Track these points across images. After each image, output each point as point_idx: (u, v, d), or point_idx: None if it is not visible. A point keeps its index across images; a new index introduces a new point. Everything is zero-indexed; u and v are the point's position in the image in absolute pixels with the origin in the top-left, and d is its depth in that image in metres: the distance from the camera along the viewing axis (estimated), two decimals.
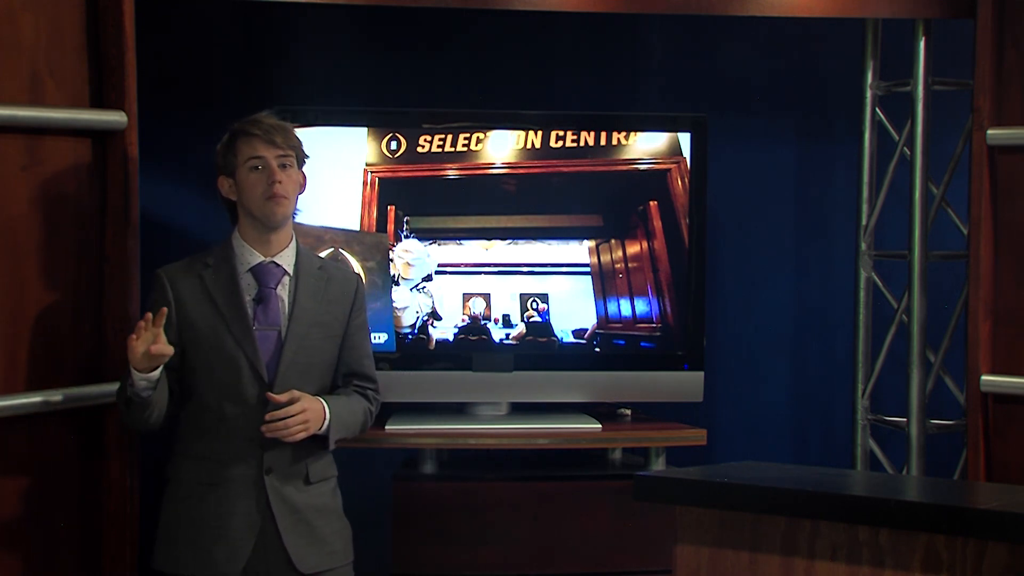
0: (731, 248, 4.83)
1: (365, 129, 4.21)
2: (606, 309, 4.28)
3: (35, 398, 3.45)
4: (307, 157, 3.48)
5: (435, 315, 4.22)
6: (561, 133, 4.25)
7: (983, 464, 4.09)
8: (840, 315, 4.79)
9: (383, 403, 3.67)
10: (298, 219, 3.52)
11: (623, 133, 4.27)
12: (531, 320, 4.25)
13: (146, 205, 3.77)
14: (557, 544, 4.08)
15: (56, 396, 3.48)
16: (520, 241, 4.26)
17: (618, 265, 4.28)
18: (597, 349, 4.27)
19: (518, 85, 4.72)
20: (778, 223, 4.93)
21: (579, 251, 4.28)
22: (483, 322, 4.23)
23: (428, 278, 4.22)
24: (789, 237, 4.94)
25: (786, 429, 4.94)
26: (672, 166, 4.28)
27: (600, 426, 4.15)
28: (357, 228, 4.19)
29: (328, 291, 3.49)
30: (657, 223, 4.28)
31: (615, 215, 4.29)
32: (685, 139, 4.28)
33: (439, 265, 4.23)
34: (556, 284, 4.27)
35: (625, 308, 4.28)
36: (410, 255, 4.21)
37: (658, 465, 4.19)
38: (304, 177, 3.47)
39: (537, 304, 4.25)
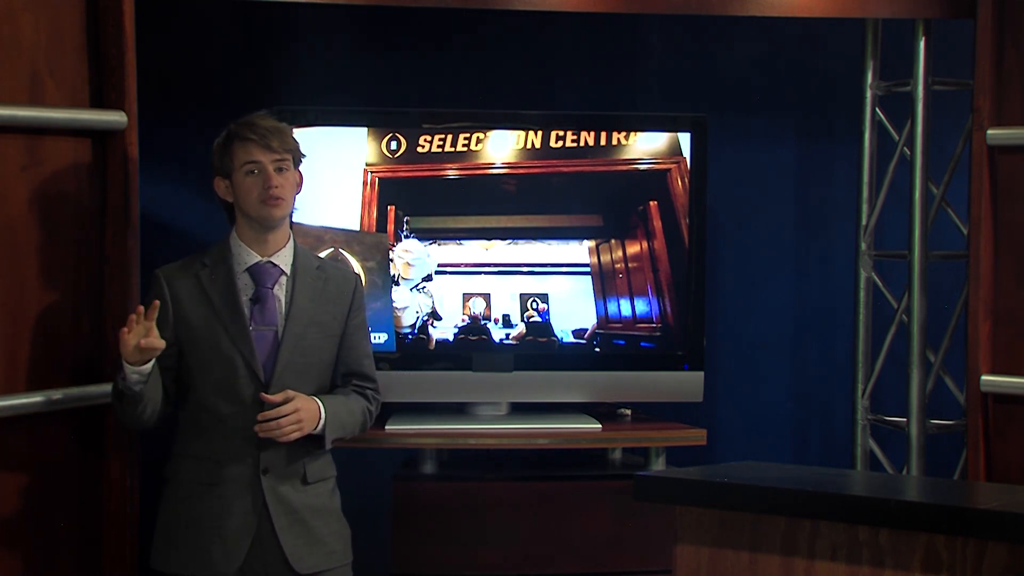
0: (731, 248, 4.83)
1: (365, 129, 4.21)
2: (606, 309, 4.27)
3: (35, 398, 3.45)
4: (303, 156, 3.48)
5: (435, 315, 4.22)
6: (561, 133, 4.25)
7: (983, 464, 4.09)
8: (840, 315, 4.79)
9: (383, 403, 3.67)
10: (299, 219, 3.52)
11: (623, 133, 4.27)
12: (531, 320, 4.25)
13: (146, 205, 3.77)
14: (557, 544, 4.08)
15: (56, 396, 3.48)
16: (520, 241, 4.26)
17: (618, 265, 4.28)
18: (597, 349, 4.27)
19: (518, 85, 4.72)
20: (778, 223, 4.93)
21: (579, 251, 4.28)
22: (483, 322, 4.23)
23: (428, 278, 4.22)
24: (789, 237, 4.94)
25: (786, 429, 4.94)
26: (672, 166, 4.28)
27: (600, 426, 4.15)
28: (357, 228, 4.19)
29: (326, 291, 3.49)
30: (657, 223, 4.28)
31: (615, 215, 4.29)
32: (685, 139, 4.28)
33: (439, 265, 4.23)
34: (556, 284, 4.27)
35: (625, 308, 4.28)
36: (410, 255, 4.21)
37: (658, 465, 4.19)
38: (300, 176, 3.47)
39: (537, 304, 4.25)
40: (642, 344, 4.28)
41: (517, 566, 4.07)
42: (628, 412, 4.34)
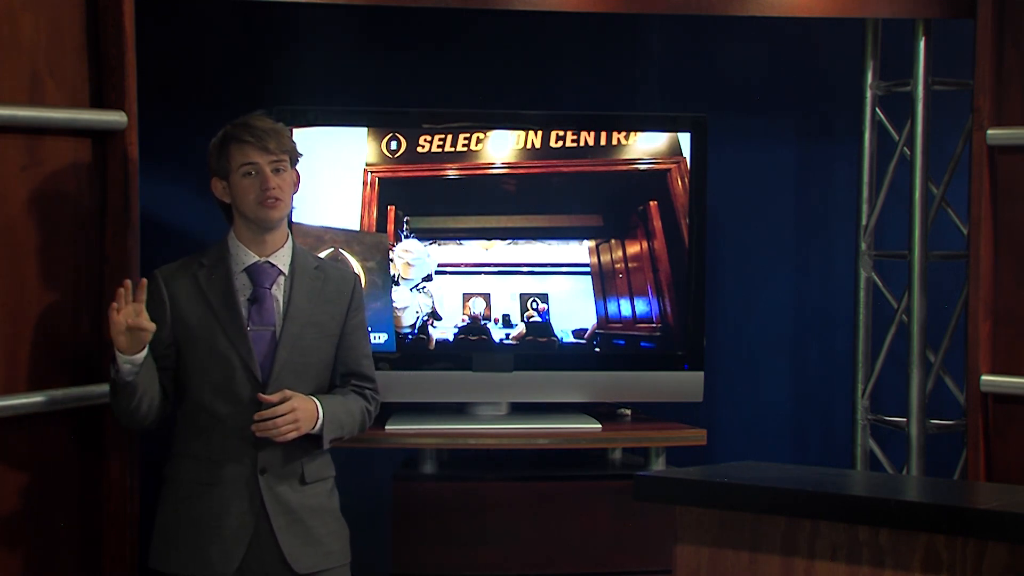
0: (731, 248, 4.83)
1: (365, 129, 4.21)
2: (606, 309, 4.27)
3: (35, 398, 3.45)
4: (300, 156, 3.47)
5: (435, 315, 4.22)
6: (561, 133, 4.25)
7: (983, 464, 4.09)
8: (840, 315, 4.79)
9: (383, 403, 3.67)
10: (298, 219, 3.52)
11: (623, 133, 4.27)
12: (531, 320, 4.25)
13: (146, 205, 3.77)
14: (557, 544, 4.08)
15: (56, 396, 3.48)
16: (520, 241, 4.26)
17: (618, 265, 4.28)
18: (597, 349, 4.27)
19: (518, 85, 4.72)
20: (778, 223, 4.93)
21: (579, 251, 4.28)
22: (483, 322, 4.23)
23: (428, 278, 4.22)
24: (789, 237, 4.94)
25: (786, 429, 4.94)
26: (672, 166, 4.28)
27: (600, 426, 4.15)
28: (357, 228, 4.19)
29: (324, 291, 3.49)
30: (657, 223, 4.28)
31: (615, 215, 4.29)
32: (685, 139, 4.28)
33: (439, 265, 4.23)
34: (556, 284, 4.26)
35: (625, 308, 4.28)
36: (410, 255, 4.21)
37: (658, 465, 4.19)
38: (298, 176, 3.47)
39: (537, 304, 4.25)
40: (642, 344, 4.28)
41: (517, 566, 4.07)
42: (628, 412, 4.34)
